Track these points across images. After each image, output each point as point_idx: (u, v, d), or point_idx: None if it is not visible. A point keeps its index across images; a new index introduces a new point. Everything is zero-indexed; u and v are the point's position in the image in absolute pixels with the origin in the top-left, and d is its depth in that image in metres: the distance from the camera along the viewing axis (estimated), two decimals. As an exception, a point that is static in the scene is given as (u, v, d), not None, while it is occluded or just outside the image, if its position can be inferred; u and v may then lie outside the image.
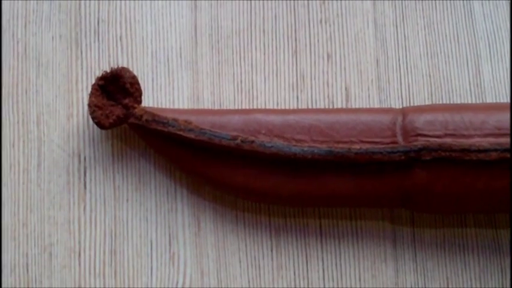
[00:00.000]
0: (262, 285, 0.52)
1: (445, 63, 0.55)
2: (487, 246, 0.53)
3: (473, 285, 0.53)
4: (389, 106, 0.54)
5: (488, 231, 0.53)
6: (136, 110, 0.51)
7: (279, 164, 0.51)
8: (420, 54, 0.55)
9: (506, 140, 0.49)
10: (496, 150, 0.49)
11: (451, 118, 0.50)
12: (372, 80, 0.55)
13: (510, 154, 0.48)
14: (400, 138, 0.50)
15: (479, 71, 0.55)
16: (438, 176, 0.50)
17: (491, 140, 0.50)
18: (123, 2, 0.55)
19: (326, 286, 0.52)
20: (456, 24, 0.56)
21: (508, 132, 0.50)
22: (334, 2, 0.56)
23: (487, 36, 0.56)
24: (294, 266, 0.52)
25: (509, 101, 0.55)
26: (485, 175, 0.50)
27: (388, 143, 0.50)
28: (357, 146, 0.50)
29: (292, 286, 0.52)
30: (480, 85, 0.55)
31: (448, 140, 0.50)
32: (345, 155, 0.50)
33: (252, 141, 0.50)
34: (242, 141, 0.50)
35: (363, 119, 0.51)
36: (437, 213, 0.53)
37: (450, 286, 0.53)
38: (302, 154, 0.50)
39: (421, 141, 0.50)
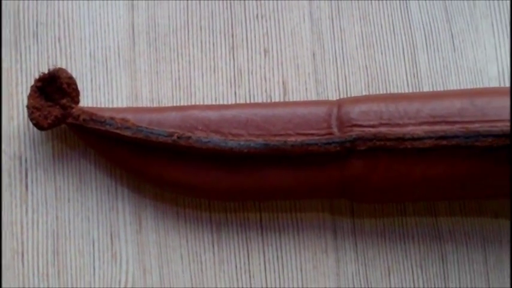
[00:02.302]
0: (205, 280, 0.54)
1: (382, 54, 0.58)
2: (427, 234, 0.55)
3: (414, 273, 0.55)
4: (326, 98, 0.57)
5: (428, 219, 0.56)
6: (73, 110, 0.54)
7: (217, 159, 0.53)
8: (356, 46, 0.58)
9: (441, 127, 0.52)
10: (430, 137, 0.51)
11: (386, 108, 0.53)
12: (308, 73, 0.57)
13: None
14: (335, 130, 0.53)
15: (415, 61, 0.58)
16: (374, 166, 0.52)
17: (426, 128, 0.52)
18: (61, 3, 0.58)
19: (268, 279, 0.54)
20: (392, 15, 0.58)
21: (443, 119, 0.52)
22: (270, -2, 0.59)
23: (423, 27, 0.58)
24: (235, 260, 0.55)
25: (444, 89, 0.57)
26: (421, 163, 0.52)
27: (323, 135, 0.53)
28: (293, 139, 0.52)
29: (234, 280, 0.54)
30: (416, 75, 0.57)
31: (383, 130, 0.52)
32: (281, 147, 0.52)
33: (189, 137, 0.53)
34: (178, 137, 0.53)
35: (299, 112, 0.54)
36: (376, 203, 0.55)
37: (391, 274, 0.55)
38: (238, 148, 0.52)
39: (356, 132, 0.52)
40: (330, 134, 0.53)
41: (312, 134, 0.53)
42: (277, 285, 0.55)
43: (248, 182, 0.54)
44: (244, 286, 0.55)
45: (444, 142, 0.52)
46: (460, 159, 0.52)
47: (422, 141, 0.52)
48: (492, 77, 0.58)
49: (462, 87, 0.58)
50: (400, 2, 0.59)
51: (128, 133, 0.53)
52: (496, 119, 0.52)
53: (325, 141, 0.53)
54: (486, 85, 0.58)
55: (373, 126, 0.53)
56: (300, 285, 0.55)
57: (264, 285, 0.55)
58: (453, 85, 0.58)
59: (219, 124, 0.54)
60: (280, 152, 0.53)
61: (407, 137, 0.52)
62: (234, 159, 0.53)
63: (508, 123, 0.52)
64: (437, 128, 0.52)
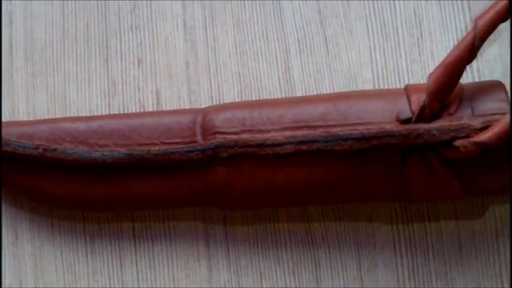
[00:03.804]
0: (78, 291, 0.56)
1: (255, 61, 0.59)
2: (299, 240, 0.56)
3: (287, 279, 0.56)
4: (199, 107, 0.58)
5: (300, 225, 0.57)
6: None
7: (86, 170, 0.55)
8: (229, 54, 0.59)
9: (303, 132, 0.53)
10: (290, 143, 0.52)
11: (249, 114, 0.54)
12: (182, 82, 0.59)
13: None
14: (199, 137, 0.54)
15: (288, 67, 0.59)
16: (237, 172, 0.53)
17: (288, 133, 0.53)
18: None
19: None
20: (265, 21, 0.60)
21: (305, 124, 0.53)
22: (145, 8, 0.60)
23: (296, 31, 0.59)
24: (108, 270, 0.56)
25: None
26: (283, 169, 0.53)
27: (188, 143, 0.54)
28: (157, 148, 0.54)
29: (107, 290, 0.56)
30: (290, 81, 0.58)
31: (245, 136, 0.53)
32: (144, 156, 0.54)
33: (55, 149, 0.54)
34: (44, 149, 0.54)
35: (165, 121, 0.55)
36: (242, 209, 0.56)
37: (263, 281, 0.56)
38: (102, 158, 0.54)
39: (218, 139, 0.53)
40: (194, 142, 0.54)
41: (177, 143, 0.55)
42: (150, 294, 0.56)
43: (115, 192, 0.55)
44: (117, 296, 0.56)
45: (304, 147, 0.53)
46: (323, 164, 0.53)
47: (282, 146, 0.53)
48: (366, 80, 0.59)
49: (336, 91, 0.58)
50: (273, 8, 0.60)
51: (-5, 147, 0.55)
52: (357, 122, 0.53)
53: (188, 149, 0.54)
54: (360, 88, 0.58)
55: (235, 133, 0.54)
56: (173, 294, 0.56)
57: (137, 295, 0.57)
58: (327, 89, 0.58)
59: (86, 135, 0.56)
60: (144, 161, 0.54)
61: (268, 143, 0.53)
62: (102, 170, 0.55)
63: (369, 126, 0.53)
64: (299, 133, 0.53)
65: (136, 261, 0.57)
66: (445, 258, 0.57)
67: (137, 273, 0.57)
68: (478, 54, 0.55)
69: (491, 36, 0.56)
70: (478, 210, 0.58)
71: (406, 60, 0.59)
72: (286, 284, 0.57)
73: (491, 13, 0.52)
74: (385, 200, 0.56)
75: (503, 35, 0.59)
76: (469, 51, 0.52)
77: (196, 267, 0.57)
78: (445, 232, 0.57)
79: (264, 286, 0.57)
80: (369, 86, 0.59)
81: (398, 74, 0.59)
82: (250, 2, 0.61)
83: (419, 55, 0.59)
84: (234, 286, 0.57)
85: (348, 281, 0.57)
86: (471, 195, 0.55)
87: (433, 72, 0.52)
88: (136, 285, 0.57)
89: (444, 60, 0.52)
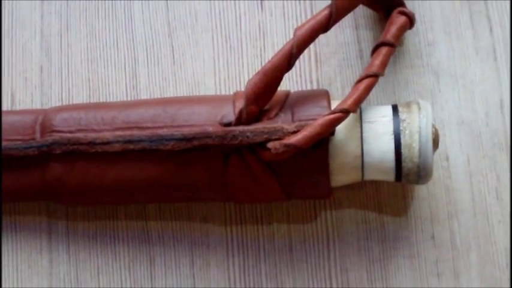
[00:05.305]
0: None
1: (104, 68, 0.63)
2: (136, 237, 0.61)
3: (122, 274, 0.60)
4: (50, 109, 0.63)
5: (138, 223, 0.61)
6: None
7: None
8: (81, 60, 0.64)
9: (131, 132, 0.57)
10: (118, 142, 0.57)
11: (85, 115, 0.58)
12: (35, 86, 0.64)
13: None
14: (38, 135, 0.58)
15: (135, 74, 0.63)
16: (70, 169, 0.58)
17: (118, 133, 0.57)
18: None
19: (-15, 278, 0.60)
20: (117, 30, 0.64)
21: (135, 125, 0.57)
22: (7, 16, 0.65)
23: (145, 41, 0.64)
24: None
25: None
26: (113, 167, 0.58)
27: (27, 140, 0.58)
28: (-2, 144, 0.58)
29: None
30: (136, 87, 0.63)
31: (79, 135, 0.57)
32: (-14, 152, 0.58)
33: None
34: None
35: (9, 119, 0.60)
36: (79, 205, 0.61)
37: (100, 275, 0.61)
38: (-51, 152, 0.58)
39: (53, 136, 0.57)
40: (33, 139, 0.59)
41: (18, 140, 0.59)
42: (-6, 285, 0.61)
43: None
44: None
45: (131, 146, 0.57)
46: (151, 163, 0.57)
47: (111, 145, 0.57)
48: (209, 88, 0.63)
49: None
50: (125, 19, 0.65)
51: None
52: (183, 124, 0.57)
53: (25, 145, 0.58)
54: (202, 95, 0.63)
55: (71, 132, 0.58)
56: (15, 284, 0.60)
57: (-19, 285, 0.61)
58: (170, 96, 0.63)
59: None
60: (-14, 156, 0.58)
61: (97, 141, 0.57)
62: None
63: (193, 128, 0.56)
64: (127, 132, 0.57)
65: (-18, 253, 0.61)
66: (275, 260, 0.61)
67: (-17, 265, 0.61)
68: (319, 65, 0.59)
69: (333, 49, 0.61)
70: (310, 214, 0.61)
71: (248, 70, 0.63)
72: (121, 278, 0.61)
73: (311, 23, 0.56)
74: (213, 200, 0.60)
75: (344, 46, 0.63)
76: (287, 60, 0.56)
77: (38, 260, 0.61)
78: (277, 235, 0.61)
79: (100, 279, 0.61)
80: (210, 93, 0.63)
81: (240, 82, 0.63)
82: (103, 12, 0.65)
83: (261, 65, 0.63)
84: (72, 278, 0.61)
85: (181, 278, 0.60)
86: (296, 198, 0.58)
87: (252, 78, 0.56)
88: (-19, 276, 0.61)
89: (264, 67, 0.56)
